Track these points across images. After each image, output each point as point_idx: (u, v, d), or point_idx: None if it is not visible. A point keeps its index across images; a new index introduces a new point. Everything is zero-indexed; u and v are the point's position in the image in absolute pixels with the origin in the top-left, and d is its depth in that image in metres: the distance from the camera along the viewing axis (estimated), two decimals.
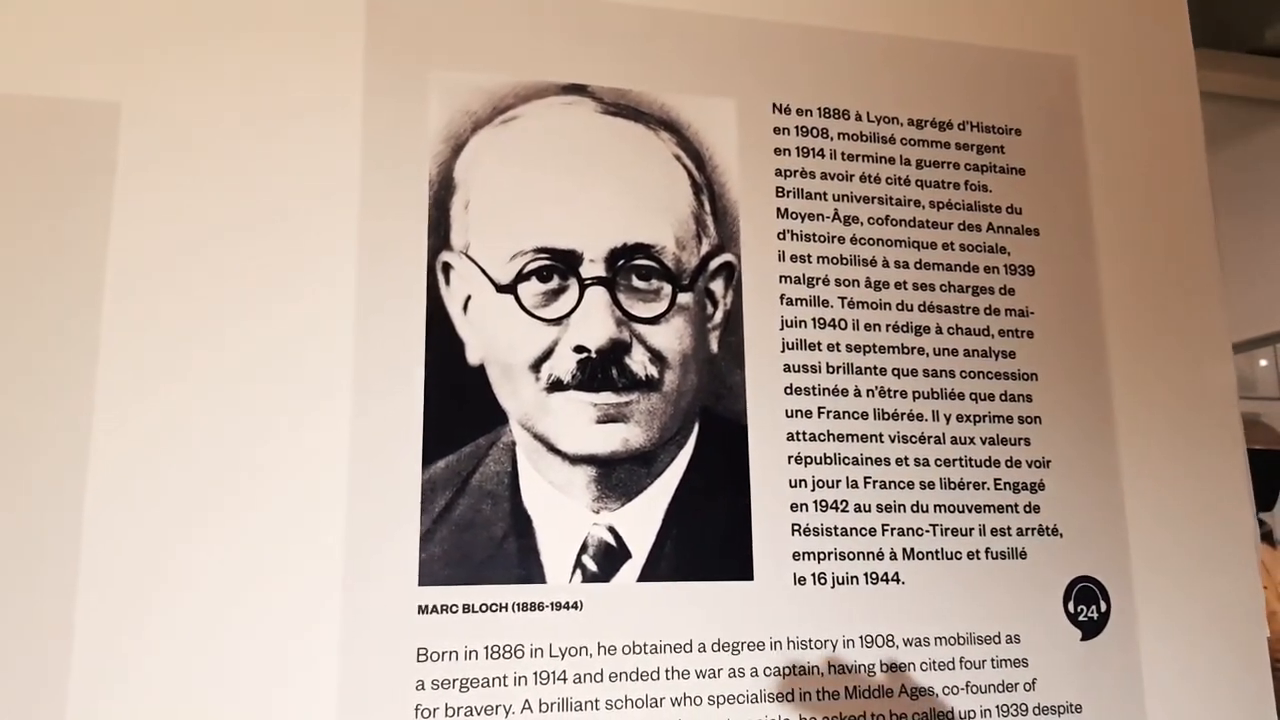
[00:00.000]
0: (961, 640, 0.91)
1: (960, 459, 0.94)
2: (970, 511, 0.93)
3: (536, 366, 0.86)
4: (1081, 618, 0.94)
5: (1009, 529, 0.94)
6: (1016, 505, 0.94)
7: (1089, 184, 1.03)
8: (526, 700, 0.81)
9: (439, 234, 0.87)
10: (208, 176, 0.84)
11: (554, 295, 0.88)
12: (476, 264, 0.87)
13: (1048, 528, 0.95)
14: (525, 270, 0.88)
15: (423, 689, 0.79)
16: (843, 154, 0.97)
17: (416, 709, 0.79)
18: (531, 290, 0.87)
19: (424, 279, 0.86)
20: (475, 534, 0.83)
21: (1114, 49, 1.07)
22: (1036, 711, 0.91)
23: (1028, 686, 0.91)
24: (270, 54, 0.87)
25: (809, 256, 0.94)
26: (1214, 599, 0.97)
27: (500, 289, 0.87)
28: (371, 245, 0.85)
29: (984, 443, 0.95)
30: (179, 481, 0.79)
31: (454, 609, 0.81)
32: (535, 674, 0.82)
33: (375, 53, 0.88)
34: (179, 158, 0.83)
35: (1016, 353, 0.97)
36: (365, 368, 0.83)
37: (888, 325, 0.95)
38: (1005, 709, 0.90)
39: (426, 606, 0.81)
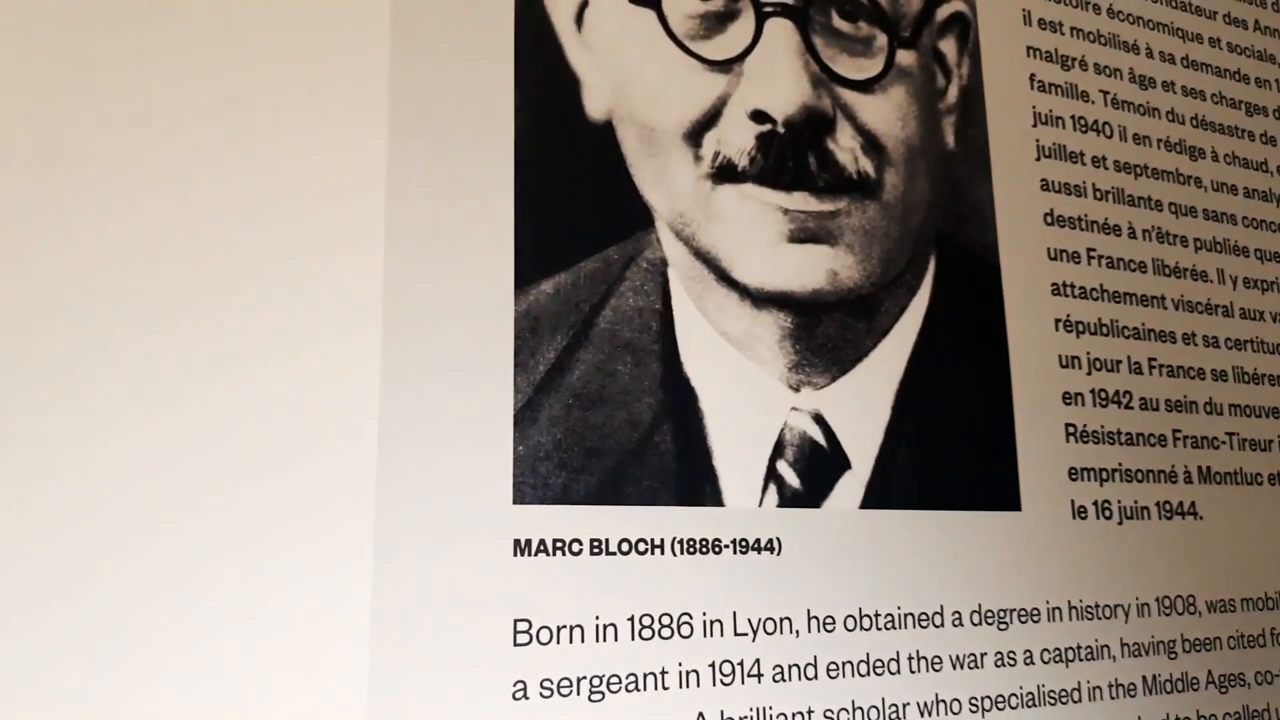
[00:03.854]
0: (1271, 604, 0.61)
1: (1253, 341, 0.64)
2: (1268, 417, 0.64)
3: (696, 136, 0.50)
4: None
5: None
6: None
7: None
8: (701, 715, 0.44)
9: None
10: None
11: (718, 22, 0.51)
12: None
13: None
14: None
15: (524, 695, 0.41)
16: None
17: None
18: (684, 7, 0.51)
19: None
20: (608, 414, 0.46)
21: None
22: None
23: None
24: None
25: (1060, 25, 0.62)
26: None
27: None
28: None
29: (1275, 320, 0.66)
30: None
31: (576, 547, 0.44)
32: (714, 666, 0.45)
33: None
34: None
35: None
36: (408, 112, 0.44)
37: (1159, 141, 0.64)
38: None
39: (527, 543, 0.43)
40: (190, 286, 0.40)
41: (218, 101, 0.42)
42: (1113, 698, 0.54)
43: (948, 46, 0.58)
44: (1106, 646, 0.55)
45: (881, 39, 0.55)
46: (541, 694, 0.41)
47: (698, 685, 0.45)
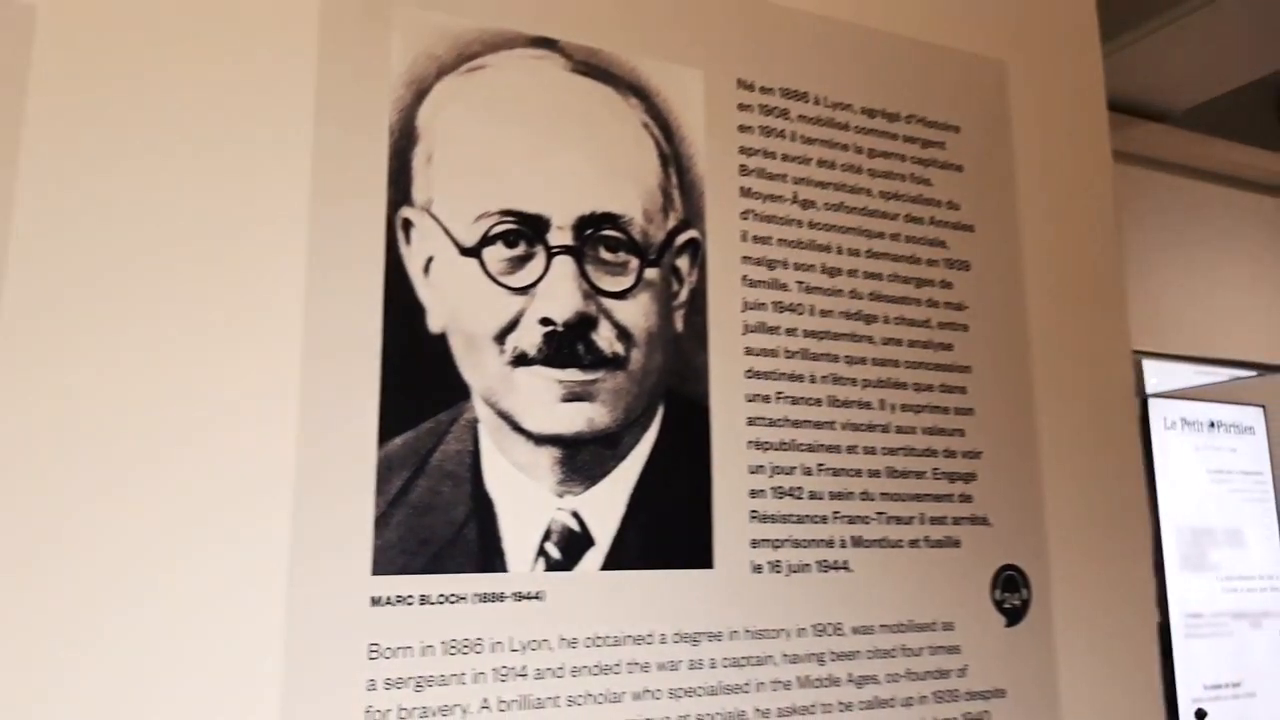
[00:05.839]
0: (903, 628, 0.92)
1: (904, 448, 0.95)
2: (912, 500, 0.94)
3: (501, 338, 0.80)
4: (1006, 605, 0.97)
5: (945, 518, 0.95)
6: (952, 495, 0.96)
7: (1016, 186, 1.06)
8: (485, 699, 0.75)
9: (399, 187, 0.79)
10: (137, 104, 0.72)
11: (520, 262, 0.81)
12: (439, 223, 0.79)
13: (979, 517, 0.97)
14: (491, 233, 0.81)
15: (374, 689, 0.72)
16: (802, 137, 0.95)
17: (368, 711, 0.71)
18: (497, 255, 0.81)
19: (383, 235, 0.77)
20: (434, 518, 0.76)
21: (1035, 58, 1.11)
22: (967, 697, 0.93)
23: (960, 673, 0.93)
24: None
25: (770, 238, 0.92)
26: (1114, 588, 1.03)
27: (464, 252, 0.80)
28: (326, 195, 0.76)
29: (924, 433, 0.96)
30: (91, 457, 0.68)
31: (410, 600, 0.74)
32: (495, 670, 0.75)
33: None
34: (104, 76, 0.71)
35: (954, 345, 0.99)
36: (317, 331, 0.74)
37: (841, 312, 0.94)
38: (940, 695, 0.92)
39: (381, 598, 0.73)
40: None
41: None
42: (774, 690, 0.85)
43: (683, 262, 0.88)
44: (771, 656, 0.85)
45: (634, 262, 0.85)
46: (385, 687, 0.72)
47: (484, 681, 0.75)
